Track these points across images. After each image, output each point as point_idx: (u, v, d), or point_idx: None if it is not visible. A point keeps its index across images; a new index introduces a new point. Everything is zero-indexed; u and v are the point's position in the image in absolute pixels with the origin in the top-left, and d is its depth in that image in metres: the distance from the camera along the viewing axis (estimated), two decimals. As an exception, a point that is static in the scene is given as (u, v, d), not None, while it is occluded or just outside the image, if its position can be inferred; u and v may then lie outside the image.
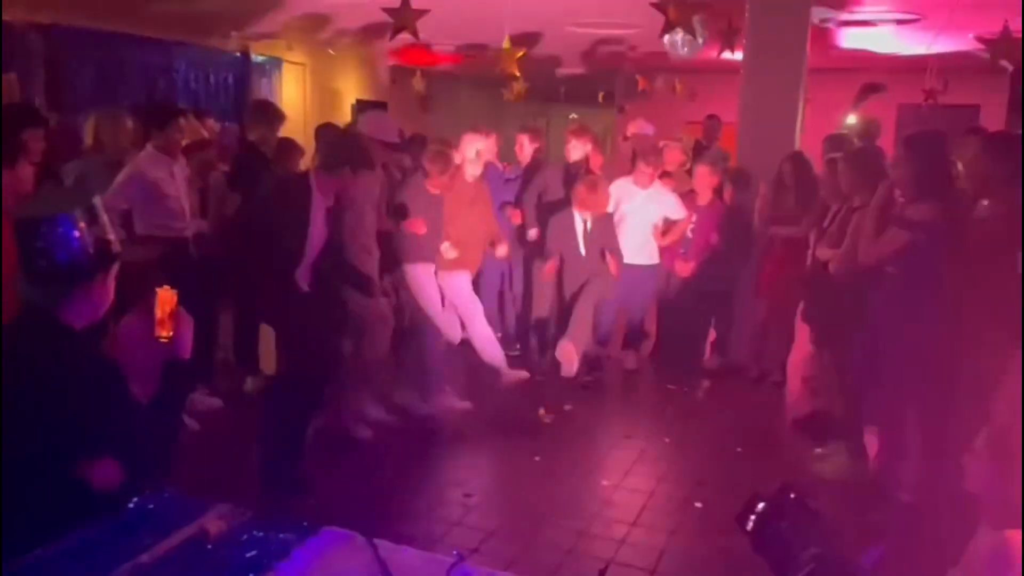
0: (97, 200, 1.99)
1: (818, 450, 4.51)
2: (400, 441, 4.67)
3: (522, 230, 6.08)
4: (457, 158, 5.18)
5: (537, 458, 4.52)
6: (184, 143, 4.85)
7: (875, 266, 3.88)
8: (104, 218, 1.98)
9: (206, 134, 6.11)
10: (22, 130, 3.89)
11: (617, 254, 5.60)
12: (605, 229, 5.63)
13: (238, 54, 9.75)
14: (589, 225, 5.56)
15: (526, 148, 6.39)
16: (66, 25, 7.38)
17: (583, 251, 5.59)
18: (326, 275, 4.07)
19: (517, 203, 6.16)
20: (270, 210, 3.92)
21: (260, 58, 10.06)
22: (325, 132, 5.20)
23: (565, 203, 5.72)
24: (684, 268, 6.04)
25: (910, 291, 3.71)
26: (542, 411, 5.14)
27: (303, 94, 11.09)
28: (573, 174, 6.00)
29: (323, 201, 3.93)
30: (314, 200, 3.89)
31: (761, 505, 1.61)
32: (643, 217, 5.94)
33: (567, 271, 5.62)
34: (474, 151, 5.32)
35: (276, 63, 10.36)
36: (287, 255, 3.82)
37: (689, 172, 6.71)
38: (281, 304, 3.88)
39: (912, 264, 3.70)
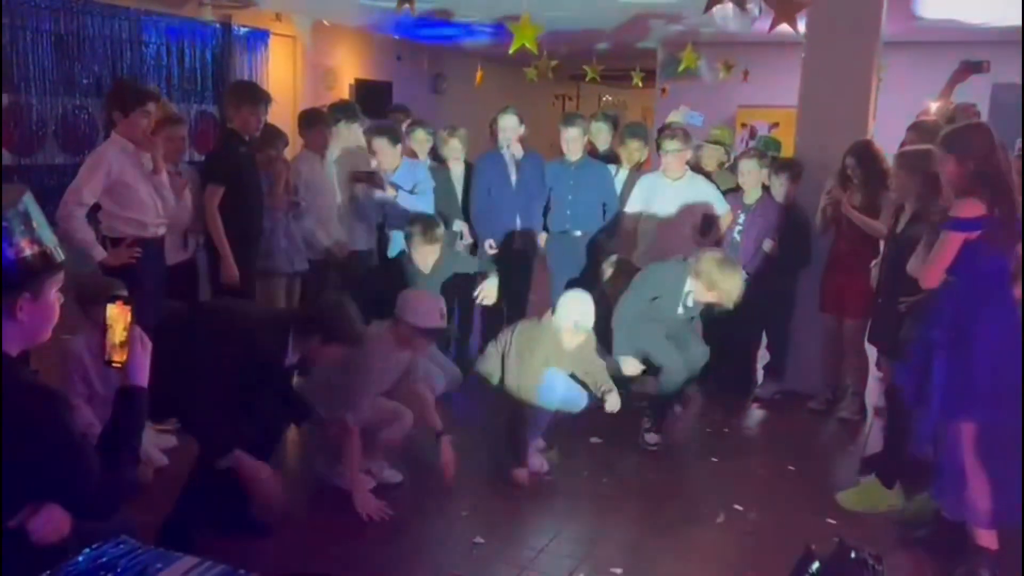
0: (27, 200, 1.99)
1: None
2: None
3: None
4: None
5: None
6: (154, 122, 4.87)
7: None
8: (37, 222, 1.98)
9: (175, 109, 6.10)
10: None
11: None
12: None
13: (217, 25, 9.84)
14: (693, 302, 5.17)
15: (632, 157, 6.25)
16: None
17: (680, 316, 5.18)
18: None
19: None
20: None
21: (243, 30, 10.14)
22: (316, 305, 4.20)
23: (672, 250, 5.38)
24: None
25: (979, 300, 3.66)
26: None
27: (293, 72, 11.17)
28: None
29: None
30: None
31: (815, 566, 1.60)
32: (677, 214, 5.72)
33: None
34: None
35: (262, 36, 10.44)
36: None
37: (732, 171, 6.67)
38: None
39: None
